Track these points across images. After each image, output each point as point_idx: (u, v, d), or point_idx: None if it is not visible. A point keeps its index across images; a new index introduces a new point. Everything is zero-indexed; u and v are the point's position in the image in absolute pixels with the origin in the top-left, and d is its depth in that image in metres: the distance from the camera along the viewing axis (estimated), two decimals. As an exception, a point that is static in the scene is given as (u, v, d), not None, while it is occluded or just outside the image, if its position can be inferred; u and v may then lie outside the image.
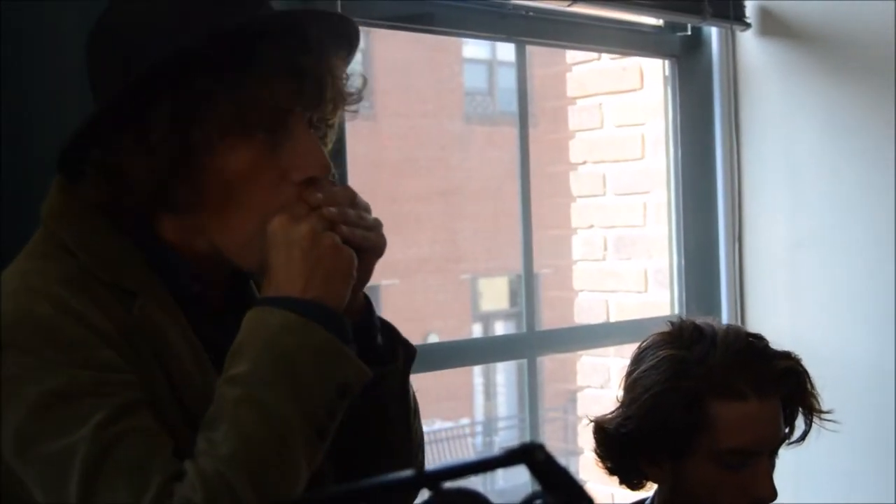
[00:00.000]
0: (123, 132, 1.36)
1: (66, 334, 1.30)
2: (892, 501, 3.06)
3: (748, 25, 3.45)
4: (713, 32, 3.50)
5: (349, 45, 1.48)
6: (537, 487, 0.94)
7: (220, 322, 1.47)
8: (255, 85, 1.36)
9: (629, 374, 1.97)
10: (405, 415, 1.58)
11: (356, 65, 1.50)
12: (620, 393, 1.99)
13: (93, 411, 1.27)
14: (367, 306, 1.52)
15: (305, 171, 1.42)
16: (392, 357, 1.54)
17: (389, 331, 1.56)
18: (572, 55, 3.97)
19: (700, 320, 1.98)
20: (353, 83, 1.48)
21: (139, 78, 1.35)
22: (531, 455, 0.93)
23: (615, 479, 2.00)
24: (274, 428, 1.29)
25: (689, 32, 3.50)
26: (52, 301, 1.32)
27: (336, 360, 1.35)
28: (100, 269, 1.38)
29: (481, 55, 15.19)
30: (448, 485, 0.91)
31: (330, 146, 1.50)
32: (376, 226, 1.47)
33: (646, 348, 1.98)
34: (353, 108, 1.49)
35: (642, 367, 1.94)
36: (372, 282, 1.51)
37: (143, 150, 1.35)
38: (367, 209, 1.47)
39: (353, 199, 1.46)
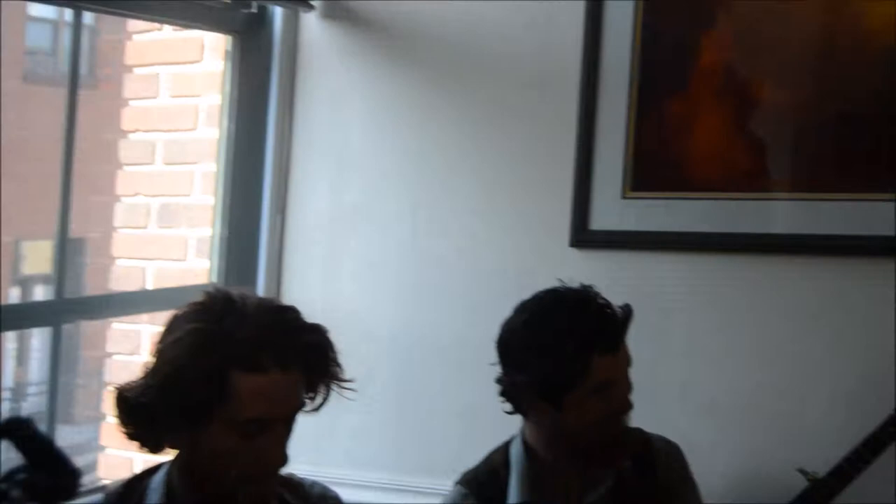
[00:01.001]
0: None
1: None
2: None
3: (312, 7, 3.50)
4: (277, 12, 3.53)
5: None
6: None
7: None
8: None
9: (158, 342, 1.96)
10: None
11: None
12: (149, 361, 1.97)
13: None
14: None
15: None
16: None
17: None
18: (134, 24, 3.90)
19: (235, 291, 1.99)
20: None
21: None
22: (16, 431, 0.90)
23: (136, 444, 1.97)
24: None
25: (255, 10, 3.51)
26: None
27: None
28: None
29: (48, 14, 14.62)
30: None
31: None
32: None
33: (176, 319, 1.96)
34: None
35: (169, 339, 1.93)
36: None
37: None
38: None
39: None
